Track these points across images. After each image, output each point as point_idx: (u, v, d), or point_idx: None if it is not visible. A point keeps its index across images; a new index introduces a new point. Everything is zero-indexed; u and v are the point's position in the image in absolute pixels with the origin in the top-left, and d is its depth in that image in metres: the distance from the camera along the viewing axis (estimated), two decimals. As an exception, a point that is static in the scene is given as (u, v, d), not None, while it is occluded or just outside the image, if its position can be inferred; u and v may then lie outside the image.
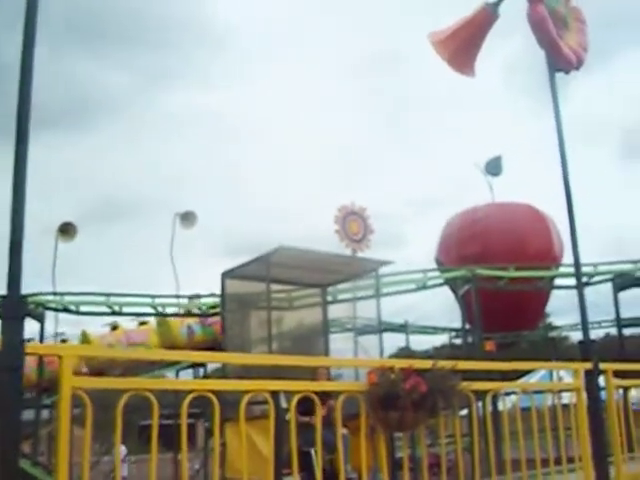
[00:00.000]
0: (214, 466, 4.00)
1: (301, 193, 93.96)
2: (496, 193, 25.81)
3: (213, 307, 18.34)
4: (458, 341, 24.04)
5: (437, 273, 21.13)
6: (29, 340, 15.50)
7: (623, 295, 19.92)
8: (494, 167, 25.85)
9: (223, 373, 8.14)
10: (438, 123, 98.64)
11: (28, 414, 16.15)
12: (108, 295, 18.25)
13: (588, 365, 5.58)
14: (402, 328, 23.39)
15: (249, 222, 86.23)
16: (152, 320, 19.55)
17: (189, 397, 3.54)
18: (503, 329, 21.54)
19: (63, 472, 3.12)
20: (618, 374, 6.09)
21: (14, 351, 3.04)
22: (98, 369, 17.87)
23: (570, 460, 5.42)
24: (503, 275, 19.53)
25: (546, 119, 6.67)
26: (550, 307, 25.88)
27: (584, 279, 18.02)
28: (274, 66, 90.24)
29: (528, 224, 24.05)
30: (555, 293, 23.43)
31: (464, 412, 5.10)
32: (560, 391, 5.73)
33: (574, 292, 6.44)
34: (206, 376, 18.92)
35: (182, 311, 19.35)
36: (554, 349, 23.98)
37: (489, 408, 4.92)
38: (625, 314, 20.55)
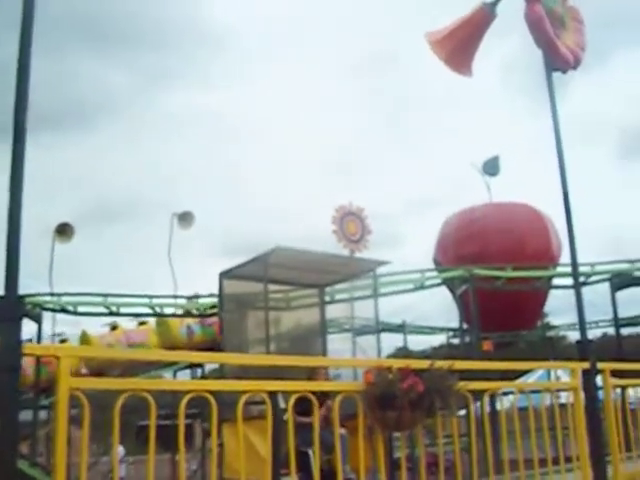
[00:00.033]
0: (212, 466, 3.99)
1: (299, 193, 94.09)
2: (494, 193, 25.90)
3: (212, 307, 18.36)
4: (456, 341, 24.07)
5: (435, 273, 21.17)
6: (31, 340, 15.56)
7: (620, 295, 19.98)
8: (492, 167, 25.90)
9: (221, 373, 8.13)
10: (436, 123, 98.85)
11: (26, 415, 16.14)
12: (106, 296, 18.26)
13: (585, 365, 5.59)
14: (400, 328, 23.41)
15: (247, 222, 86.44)
16: (152, 320, 19.56)
17: (186, 397, 3.54)
18: (501, 329, 21.57)
19: (61, 473, 3.11)
20: (616, 373, 6.10)
21: (12, 352, 3.03)
22: (97, 369, 17.88)
23: (568, 460, 5.42)
24: (501, 275, 19.56)
25: (543, 119, 6.68)
26: (548, 307, 25.96)
27: (581, 279, 18.02)
28: (274, 66, 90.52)
29: (526, 224, 24.08)
30: (553, 293, 23.48)
31: (462, 412, 5.09)
32: (558, 391, 5.74)
33: (572, 292, 6.44)
34: (204, 376, 18.92)
35: (180, 311, 19.37)
36: (552, 349, 24.00)
37: (486, 408, 4.91)
38: (622, 314, 20.60)
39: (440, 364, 4.30)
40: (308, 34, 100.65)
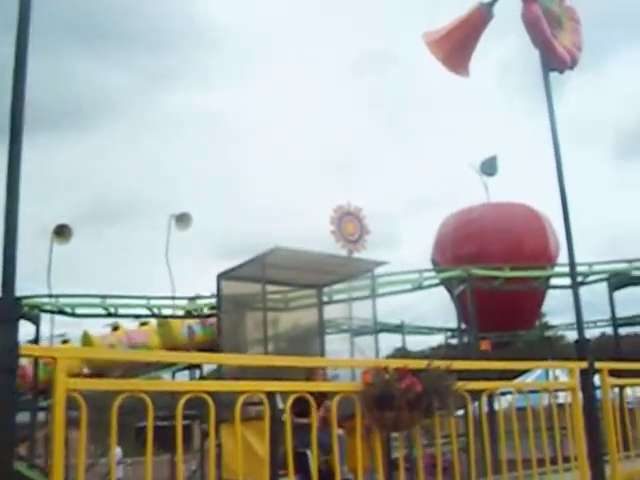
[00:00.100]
0: (210, 467, 3.99)
1: (297, 193, 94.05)
2: (491, 193, 25.90)
3: (212, 308, 18.37)
4: (454, 341, 24.08)
5: (433, 273, 21.16)
6: (32, 341, 15.55)
7: (618, 294, 19.98)
8: (489, 167, 25.92)
9: (219, 374, 8.13)
10: (434, 123, 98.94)
11: (25, 416, 16.13)
12: (104, 297, 18.26)
13: (583, 364, 5.59)
14: (398, 328, 23.43)
15: (246, 223, 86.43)
16: (153, 320, 19.59)
17: (184, 398, 3.54)
18: (499, 329, 21.60)
19: (59, 474, 3.11)
20: (613, 373, 6.10)
21: (9, 353, 3.03)
22: (99, 370, 17.92)
23: (566, 460, 5.42)
24: (498, 275, 19.56)
25: (541, 119, 6.69)
26: (546, 307, 25.98)
27: (579, 279, 18.06)
28: (273, 66, 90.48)
29: (524, 224, 24.09)
30: (551, 293, 23.50)
31: (461, 412, 5.09)
32: (556, 390, 5.74)
33: (570, 292, 6.45)
34: (202, 377, 18.92)
35: (178, 312, 19.38)
36: (550, 349, 24.02)
37: (485, 408, 4.91)
38: (620, 313, 20.61)
39: (438, 364, 4.30)
40: (308, 34, 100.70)
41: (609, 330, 22.44)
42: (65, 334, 20.17)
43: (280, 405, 4.22)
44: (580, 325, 6.06)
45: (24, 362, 16.06)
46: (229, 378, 6.97)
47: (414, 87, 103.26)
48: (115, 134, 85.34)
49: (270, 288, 8.58)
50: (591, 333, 25.23)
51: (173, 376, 20.06)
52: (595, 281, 20.15)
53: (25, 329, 16.49)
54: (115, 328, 19.30)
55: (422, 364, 4.30)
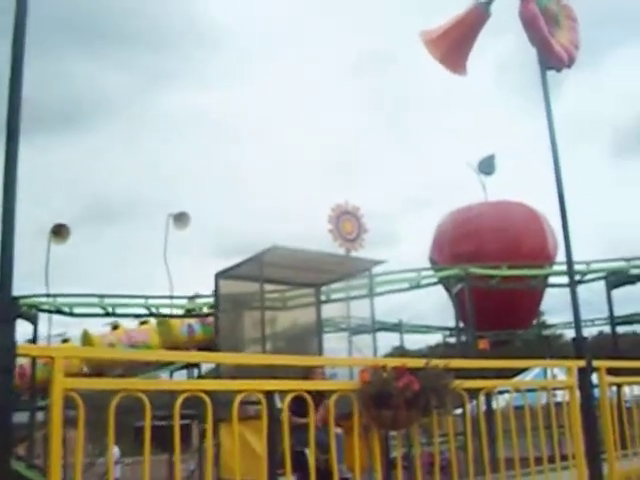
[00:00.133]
0: (207, 467, 3.99)
1: (295, 193, 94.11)
2: (489, 192, 25.88)
3: (212, 307, 18.36)
4: (452, 340, 24.08)
5: (430, 272, 21.17)
6: (30, 341, 15.54)
7: (616, 293, 20.00)
8: (487, 166, 25.89)
9: (217, 373, 8.12)
10: (431, 122, 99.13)
11: (24, 417, 16.13)
12: (101, 296, 18.25)
13: (581, 363, 5.59)
14: (396, 327, 23.41)
15: (244, 222, 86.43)
16: (153, 319, 19.60)
17: (181, 397, 3.53)
18: (497, 328, 21.58)
19: (56, 474, 3.11)
20: (611, 371, 6.11)
21: (6, 353, 3.02)
22: (99, 369, 17.93)
23: (564, 458, 5.42)
24: (496, 274, 19.57)
25: (538, 118, 6.69)
26: (544, 305, 26.00)
27: (577, 277, 18.08)
28: (273, 66, 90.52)
29: (522, 223, 24.08)
30: (549, 291, 23.53)
31: (459, 411, 5.10)
32: (553, 389, 5.74)
33: (568, 290, 6.45)
34: (200, 377, 18.92)
35: (176, 312, 19.38)
36: (548, 347, 24.04)
37: (482, 407, 4.91)
38: (618, 312, 20.65)
39: (435, 363, 4.30)
40: (308, 34, 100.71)
41: (607, 329, 22.47)
42: (65, 333, 20.22)
43: (278, 404, 4.22)
44: (578, 323, 6.07)
45: (24, 362, 16.05)
46: (227, 377, 6.98)
47: (413, 87, 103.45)
48: (114, 134, 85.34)
49: (268, 287, 8.58)
50: (589, 332, 25.24)
51: (171, 375, 20.05)
52: (593, 280, 20.18)
53: (24, 329, 16.54)
54: (115, 327, 19.31)
55: (420, 363, 4.30)
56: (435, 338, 29.30)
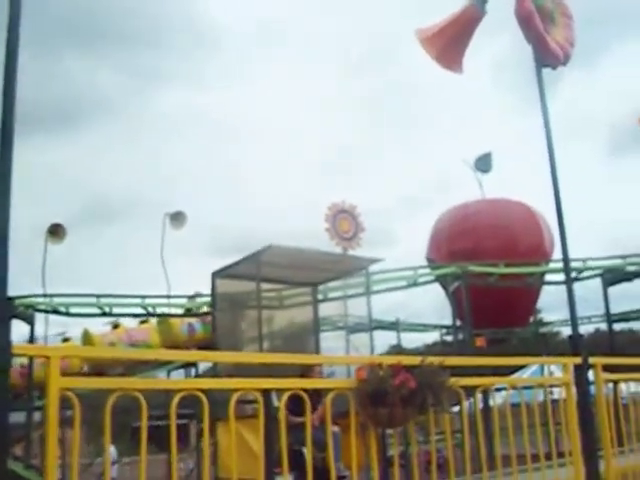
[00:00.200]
0: (204, 466, 3.99)
1: (292, 192, 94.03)
2: (486, 190, 25.91)
3: (211, 306, 18.36)
4: (449, 338, 24.11)
5: (427, 270, 21.18)
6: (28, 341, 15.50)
7: (612, 290, 20.02)
8: (484, 164, 25.93)
9: (214, 372, 8.12)
10: (428, 121, 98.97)
11: (20, 416, 16.10)
12: (98, 296, 18.23)
13: (577, 359, 5.60)
14: (393, 326, 23.42)
15: (241, 221, 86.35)
16: (153, 318, 19.61)
17: (178, 396, 3.53)
18: (494, 325, 21.59)
19: (52, 474, 3.11)
20: (608, 368, 6.12)
21: (1, 353, 3.02)
22: (98, 368, 17.93)
23: (560, 455, 5.43)
24: (493, 271, 19.59)
25: (534, 117, 6.71)
26: (541, 303, 26.05)
27: (573, 274, 18.09)
28: (273, 66, 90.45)
29: (519, 220, 24.12)
30: (546, 289, 23.57)
31: (456, 409, 5.10)
32: (550, 386, 5.75)
33: (564, 288, 6.46)
34: (198, 376, 18.92)
35: (173, 310, 19.37)
36: (545, 345, 24.06)
37: (479, 404, 4.92)
38: (615, 309, 20.67)
39: (432, 360, 4.30)
40: (308, 34, 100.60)
41: (603, 326, 22.51)
42: (65, 332, 20.24)
43: (276, 403, 4.22)
44: (574, 321, 6.08)
45: (27, 361, 16.03)
46: (224, 376, 6.98)
47: (411, 86, 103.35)
48: (113, 134, 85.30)
49: (265, 286, 8.58)
50: (585, 329, 25.35)
51: (168, 375, 20.04)
52: (589, 277, 20.20)
53: (21, 329, 16.52)
54: (115, 326, 19.33)
55: (416, 360, 4.29)
56: (432, 336, 29.35)
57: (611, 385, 6.44)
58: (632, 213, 59.91)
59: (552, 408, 5.38)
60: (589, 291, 19.72)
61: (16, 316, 15.45)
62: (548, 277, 21.60)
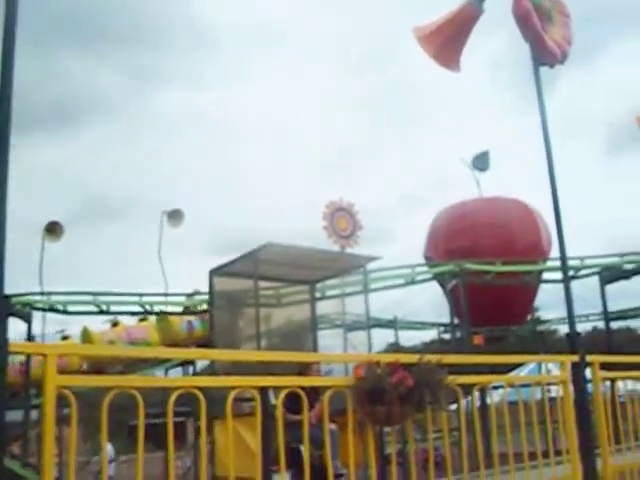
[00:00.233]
0: (202, 464, 3.98)
1: (290, 190, 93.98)
2: (483, 188, 25.94)
3: (210, 304, 18.35)
4: (447, 336, 24.13)
5: (425, 268, 21.18)
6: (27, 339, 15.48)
7: (610, 288, 20.04)
8: (481, 162, 25.96)
9: (212, 371, 8.11)
10: (426, 120, 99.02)
11: (17, 415, 16.09)
12: (95, 294, 18.20)
13: (574, 357, 5.61)
14: (391, 324, 23.44)
15: (238, 219, 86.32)
16: (152, 316, 19.60)
17: (175, 394, 3.52)
18: (491, 323, 21.63)
19: (49, 473, 3.10)
20: (605, 366, 6.12)
21: (-2, 350, 3.02)
22: (98, 366, 17.92)
23: (558, 453, 5.44)
24: (491, 269, 19.60)
25: (532, 115, 6.71)
26: (539, 301, 26.08)
27: (571, 273, 18.12)
28: (273, 66, 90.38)
29: (516, 219, 24.16)
30: (543, 287, 23.58)
31: (454, 407, 5.11)
32: (547, 384, 5.75)
33: (562, 286, 6.46)
34: (196, 374, 18.92)
35: (170, 308, 19.37)
36: (543, 343, 24.09)
37: (476, 402, 4.92)
38: (612, 307, 20.68)
39: (429, 358, 4.30)
40: (308, 34, 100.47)
41: (601, 324, 22.53)
42: (64, 330, 20.24)
43: (273, 400, 4.22)
44: (571, 319, 6.08)
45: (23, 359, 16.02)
46: (222, 374, 6.97)
47: (410, 85, 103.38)
48: (112, 133, 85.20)
49: (263, 284, 8.56)
50: (583, 327, 25.32)
51: (166, 373, 20.03)
52: (587, 275, 20.21)
53: (19, 327, 16.50)
54: (115, 324, 19.33)
55: (414, 358, 4.30)
56: (430, 334, 29.40)
57: (608, 383, 6.47)
58: (630, 211, 60.09)
59: (549, 406, 5.39)
60: (586, 289, 19.76)
61: (13, 314, 15.43)
62: (545, 275, 21.62)
